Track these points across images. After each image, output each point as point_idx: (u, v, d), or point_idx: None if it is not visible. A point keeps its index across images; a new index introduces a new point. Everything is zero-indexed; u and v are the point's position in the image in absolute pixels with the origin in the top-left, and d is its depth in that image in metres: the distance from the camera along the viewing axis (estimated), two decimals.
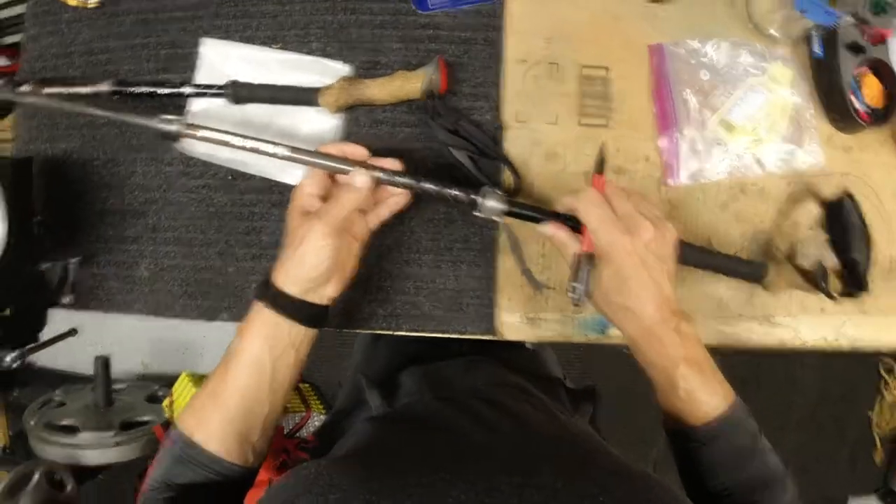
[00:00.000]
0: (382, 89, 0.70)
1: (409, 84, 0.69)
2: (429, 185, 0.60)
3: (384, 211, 0.62)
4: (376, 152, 0.73)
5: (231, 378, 0.55)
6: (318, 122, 0.73)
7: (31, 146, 0.76)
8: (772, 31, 0.71)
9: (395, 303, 0.73)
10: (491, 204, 0.60)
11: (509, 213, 0.60)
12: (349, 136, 0.73)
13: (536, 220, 0.61)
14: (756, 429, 0.56)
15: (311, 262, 0.54)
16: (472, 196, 0.60)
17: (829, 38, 0.68)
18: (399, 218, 0.67)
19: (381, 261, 0.72)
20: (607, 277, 0.55)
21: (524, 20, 0.71)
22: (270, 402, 0.56)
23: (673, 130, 0.69)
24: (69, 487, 1.05)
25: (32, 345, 0.73)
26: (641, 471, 0.46)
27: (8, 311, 0.67)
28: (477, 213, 0.60)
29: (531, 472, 0.44)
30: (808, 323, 0.71)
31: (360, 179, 0.57)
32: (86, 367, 1.66)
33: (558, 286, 0.71)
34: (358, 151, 0.59)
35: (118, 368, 1.35)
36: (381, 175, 0.59)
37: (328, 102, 0.70)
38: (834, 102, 0.70)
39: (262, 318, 0.55)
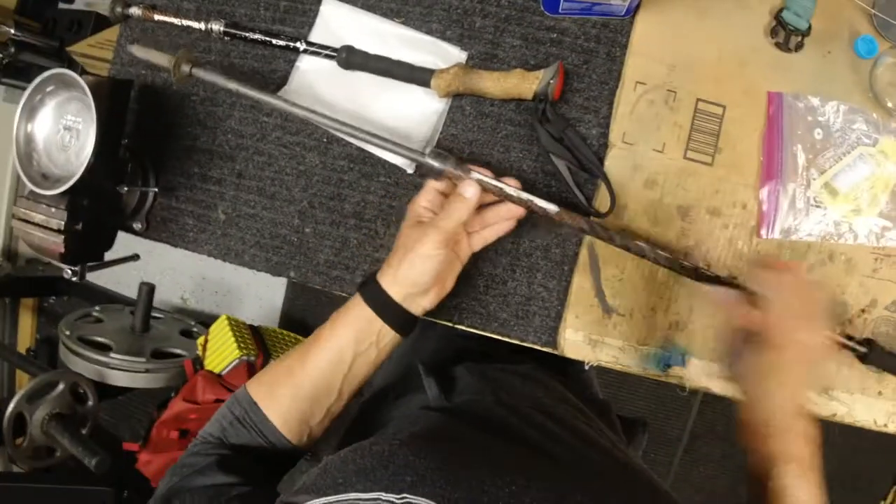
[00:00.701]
0: (497, 84, 0.63)
1: (524, 83, 0.62)
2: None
3: (490, 234, 0.59)
4: (475, 143, 0.65)
5: (312, 359, 0.52)
6: (423, 104, 0.66)
7: (130, 69, 0.69)
8: (889, 105, 0.63)
9: (462, 297, 0.66)
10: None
11: (699, 277, 0.58)
12: (453, 122, 0.65)
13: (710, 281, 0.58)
14: None
15: (420, 268, 0.52)
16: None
17: None
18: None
19: None
20: (767, 362, 0.51)
21: (651, 43, 0.63)
22: (339, 393, 0.54)
23: (776, 182, 0.62)
24: (90, 402, 0.98)
25: (95, 263, 0.65)
26: None
27: (80, 226, 0.59)
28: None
29: (602, 491, 0.40)
30: (864, 403, 0.65)
31: (469, 191, 0.54)
32: (126, 289, 1.58)
33: (627, 313, 0.64)
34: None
35: (157, 298, 1.28)
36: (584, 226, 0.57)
37: (440, 86, 0.63)
38: None
39: (358, 313, 0.53)
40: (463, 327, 0.67)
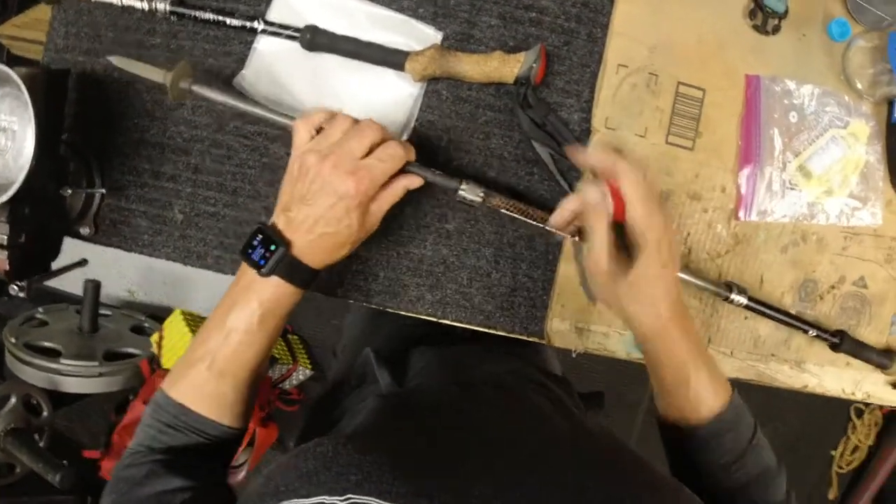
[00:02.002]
0: (476, 67, 0.60)
1: (505, 67, 0.59)
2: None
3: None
4: (454, 130, 0.63)
5: (230, 348, 0.49)
6: (397, 88, 0.62)
7: (65, 56, 0.61)
8: (859, 86, 0.64)
9: (446, 290, 0.64)
10: None
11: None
12: (429, 108, 0.62)
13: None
14: (753, 423, 0.53)
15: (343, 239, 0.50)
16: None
17: None
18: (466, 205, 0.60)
19: (438, 245, 0.63)
20: (641, 267, 0.48)
21: (632, 24, 0.62)
22: (265, 360, 0.52)
23: (754, 166, 0.63)
24: (45, 413, 0.91)
25: (40, 275, 0.60)
26: (666, 475, 0.43)
27: (23, 238, 0.54)
28: None
29: (555, 471, 0.39)
30: (833, 374, 0.68)
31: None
32: (68, 284, 1.47)
33: None
34: None
35: (103, 293, 1.19)
36: None
37: (415, 69, 0.60)
38: None
39: (270, 289, 0.48)
40: (448, 322, 0.66)
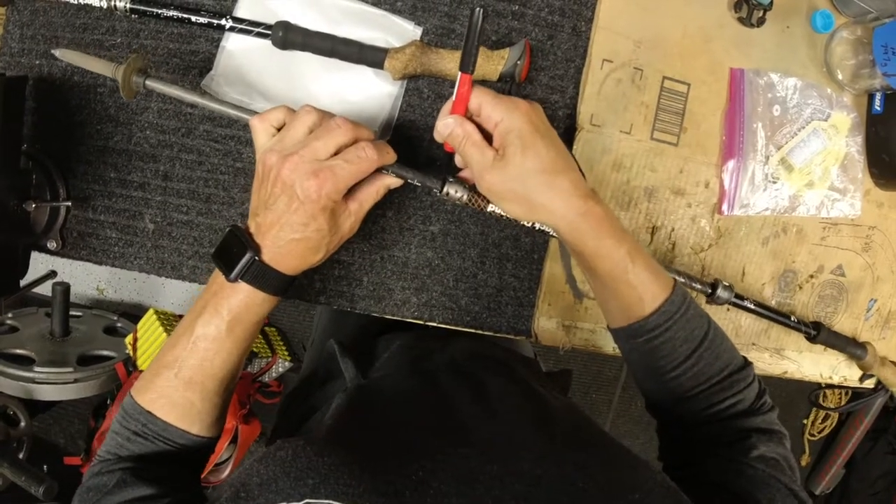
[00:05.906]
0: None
1: (488, 64, 0.58)
2: None
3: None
4: (433, 130, 0.61)
5: (197, 355, 0.47)
6: (375, 87, 0.60)
7: (21, 60, 0.57)
8: (840, 77, 0.65)
9: (432, 292, 0.64)
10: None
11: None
12: (410, 107, 0.60)
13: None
14: (704, 312, 0.51)
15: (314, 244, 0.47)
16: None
17: (893, 97, 0.63)
18: (450, 206, 0.60)
19: (422, 247, 0.62)
20: (517, 152, 0.45)
21: (617, 18, 0.61)
22: (237, 368, 0.51)
23: (738, 160, 0.63)
24: (23, 424, 0.89)
25: (10, 294, 0.57)
26: (631, 451, 0.42)
27: None
28: None
29: (511, 460, 0.39)
30: (811, 359, 0.71)
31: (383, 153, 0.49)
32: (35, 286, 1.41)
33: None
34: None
35: (71, 292, 1.14)
36: None
37: (395, 67, 0.58)
38: (879, 158, 0.66)
39: (240, 296, 0.47)
40: (434, 324, 0.65)
